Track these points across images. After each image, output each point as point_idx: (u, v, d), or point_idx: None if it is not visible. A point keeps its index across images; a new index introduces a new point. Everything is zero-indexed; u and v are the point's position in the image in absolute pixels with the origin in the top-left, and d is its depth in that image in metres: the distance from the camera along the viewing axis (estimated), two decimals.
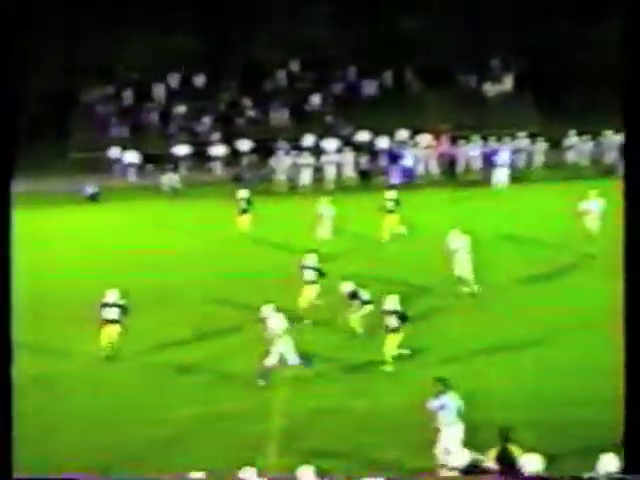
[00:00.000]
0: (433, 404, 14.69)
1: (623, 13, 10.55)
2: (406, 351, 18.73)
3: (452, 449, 14.25)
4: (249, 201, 30.22)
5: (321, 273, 21.68)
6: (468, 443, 13.77)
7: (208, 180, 39.36)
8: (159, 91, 45.63)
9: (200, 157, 41.37)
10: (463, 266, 22.77)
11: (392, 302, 18.73)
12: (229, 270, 25.94)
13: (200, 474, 12.28)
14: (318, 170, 38.58)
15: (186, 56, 44.97)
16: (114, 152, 41.53)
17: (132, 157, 41.27)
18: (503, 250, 26.43)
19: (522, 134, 39.19)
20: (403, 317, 18.64)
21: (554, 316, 20.67)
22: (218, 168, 41.04)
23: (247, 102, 44.61)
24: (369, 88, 45.23)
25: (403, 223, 28.51)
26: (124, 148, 41.59)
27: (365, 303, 20.51)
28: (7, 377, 10.33)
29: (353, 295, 20.62)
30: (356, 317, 20.60)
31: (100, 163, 41.06)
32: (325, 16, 45.24)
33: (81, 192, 37.06)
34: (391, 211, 28.39)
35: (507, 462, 12.09)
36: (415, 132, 40.53)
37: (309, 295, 21.66)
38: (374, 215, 28.53)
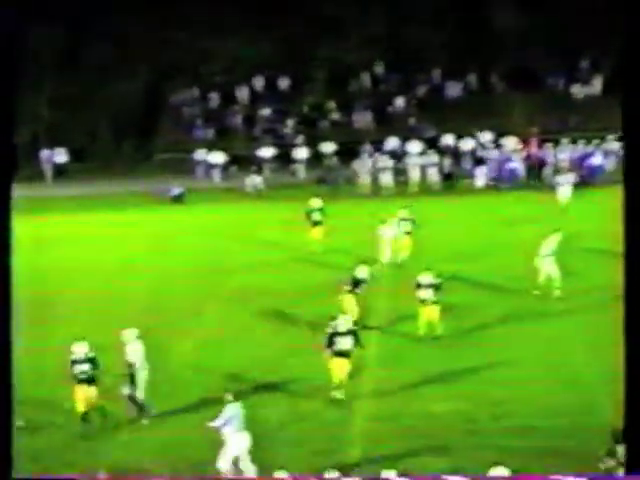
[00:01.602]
0: (217, 423, 14.31)
1: None
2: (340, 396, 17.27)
3: (242, 457, 14.17)
4: (322, 211, 27.57)
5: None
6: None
7: (291, 182, 39.47)
8: (244, 94, 45.97)
9: (284, 159, 41.52)
10: (552, 270, 22.39)
11: (345, 323, 17.34)
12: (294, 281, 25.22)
13: (283, 475, 12.26)
14: (402, 172, 38.41)
15: (270, 59, 45.18)
16: (199, 154, 41.97)
17: (217, 159, 41.66)
18: (586, 258, 25.62)
19: (612, 137, 38.34)
20: (357, 339, 17.32)
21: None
22: (301, 170, 41.11)
23: (331, 105, 44.62)
24: (453, 90, 44.81)
25: (491, 225, 27.64)
26: (209, 150, 42.02)
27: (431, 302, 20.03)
28: (7, 379, 10.30)
29: (436, 287, 20.10)
30: (435, 316, 20.07)
31: (185, 164, 41.56)
32: (409, 18, 44.90)
33: (166, 193, 37.49)
34: (407, 233, 25.66)
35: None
36: (500, 135, 40.10)
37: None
38: (459, 216, 28.16)
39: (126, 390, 16.80)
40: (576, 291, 22.51)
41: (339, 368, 17.21)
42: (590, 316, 21.02)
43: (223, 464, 14.31)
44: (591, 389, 17.24)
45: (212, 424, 14.45)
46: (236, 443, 14.35)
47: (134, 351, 16.89)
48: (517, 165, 37.87)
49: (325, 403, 17.18)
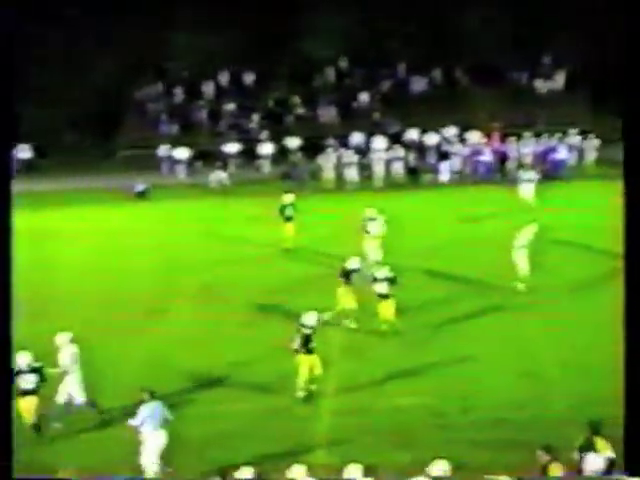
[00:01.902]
0: (135, 422, 14.48)
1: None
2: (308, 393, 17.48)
3: (154, 458, 14.36)
4: (294, 207, 27.38)
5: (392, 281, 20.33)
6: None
7: (256, 178, 39.40)
8: (208, 89, 45.80)
9: (249, 155, 41.42)
10: (523, 262, 22.56)
11: (310, 318, 17.39)
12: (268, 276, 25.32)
13: (249, 472, 12.24)
14: (366, 167, 38.47)
15: (235, 54, 45.04)
16: (164, 149, 41.75)
17: (181, 154, 41.47)
18: (551, 252, 25.83)
19: (574, 131, 38.69)
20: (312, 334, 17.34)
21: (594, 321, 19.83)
22: (266, 166, 41.04)
23: (295, 100, 44.59)
24: (418, 85, 44.94)
25: (454, 219, 27.61)
26: (174, 145, 41.82)
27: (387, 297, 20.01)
28: (7, 379, 10.19)
29: (391, 281, 20.14)
30: (391, 311, 20.11)
31: (150, 160, 41.31)
32: (374, 13, 44.96)
33: (131, 189, 37.26)
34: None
35: (587, 453, 12.15)
36: (464, 129, 40.31)
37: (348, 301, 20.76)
38: (423, 210, 28.24)
39: (62, 397, 16.58)
40: (542, 285, 22.68)
41: (308, 365, 17.24)
42: (556, 309, 21.21)
43: (144, 462, 14.42)
44: (558, 382, 17.40)
45: (130, 422, 14.55)
46: (153, 441, 14.46)
47: (68, 355, 16.66)
48: (483, 159, 38.13)
49: (292, 400, 17.20)
